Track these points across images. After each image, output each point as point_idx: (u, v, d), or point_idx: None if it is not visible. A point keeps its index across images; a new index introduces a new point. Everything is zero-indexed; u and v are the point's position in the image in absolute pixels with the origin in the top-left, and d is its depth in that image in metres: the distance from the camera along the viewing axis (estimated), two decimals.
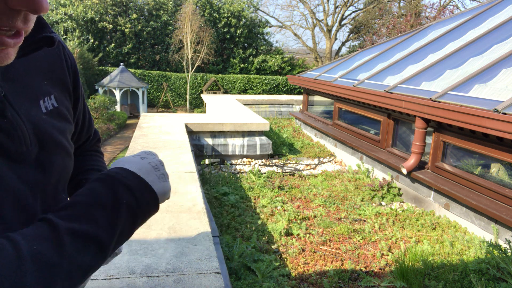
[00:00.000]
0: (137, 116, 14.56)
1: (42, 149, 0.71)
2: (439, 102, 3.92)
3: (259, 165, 5.94)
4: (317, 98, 8.02)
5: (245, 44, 18.15)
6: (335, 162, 6.26)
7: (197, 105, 15.47)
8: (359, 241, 3.51)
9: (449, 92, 4.04)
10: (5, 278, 0.50)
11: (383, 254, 3.28)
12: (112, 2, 16.77)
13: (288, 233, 3.57)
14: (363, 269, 3.05)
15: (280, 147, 6.74)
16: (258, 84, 16.04)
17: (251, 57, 17.66)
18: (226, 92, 15.74)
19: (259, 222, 3.76)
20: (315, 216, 3.99)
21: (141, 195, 0.70)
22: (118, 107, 14.16)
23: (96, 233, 0.62)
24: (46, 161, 0.72)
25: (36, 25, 0.63)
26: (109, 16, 17.03)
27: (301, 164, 6.10)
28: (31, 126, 0.68)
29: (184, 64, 15.21)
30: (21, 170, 0.66)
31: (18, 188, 0.64)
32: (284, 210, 4.08)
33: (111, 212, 0.65)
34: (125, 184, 0.68)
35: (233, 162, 6.10)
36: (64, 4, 16.76)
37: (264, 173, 5.33)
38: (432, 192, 4.16)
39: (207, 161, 5.89)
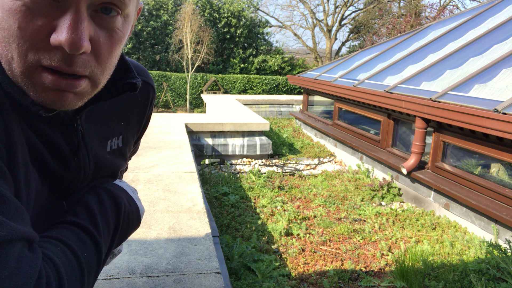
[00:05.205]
0: None
1: (92, 181, 0.76)
2: (439, 102, 3.92)
3: (259, 165, 5.94)
4: (317, 98, 8.01)
5: (245, 44, 18.13)
6: (335, 162, 6.26)
7: (197, 105, 15.45)
8: (359, 241, 3.51)
9: (449, 92, 4.04)
10: (74, 283, 0.57)
11: (383, 254, 3.28)
12: None
13: (288, 233, 3.57)
14: (363, 269, 3.05)
15: (280, 147, 6.74)
16: (258, 84, 16.01)
17: (251, 57, 17.64)
18: (226, 92, 15.72)
19: (259, 222, 3.76)
20: (315, 216, 3.99)
21: (131, 210, 0.79)
22: None
23: (108, 240, 0.71)
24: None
25: (121, 70, 0.67)
26: None
27: (301, 164, 6.10)
28: (93, 165, 0.72)
29: (184, 64, 15.20)
30: (68, 199, 0.71)
31: (58, 216, 0.69)
32: (284, 210, 4.08)
33: (116, 222, 0.73)
34: (123, 200, 0.77)
35: (233, 162, 6.10)
36: None
37: (264, 173, 5.33)
38: (432, 192, 4.16)
39: (207, 161, 5.89)
